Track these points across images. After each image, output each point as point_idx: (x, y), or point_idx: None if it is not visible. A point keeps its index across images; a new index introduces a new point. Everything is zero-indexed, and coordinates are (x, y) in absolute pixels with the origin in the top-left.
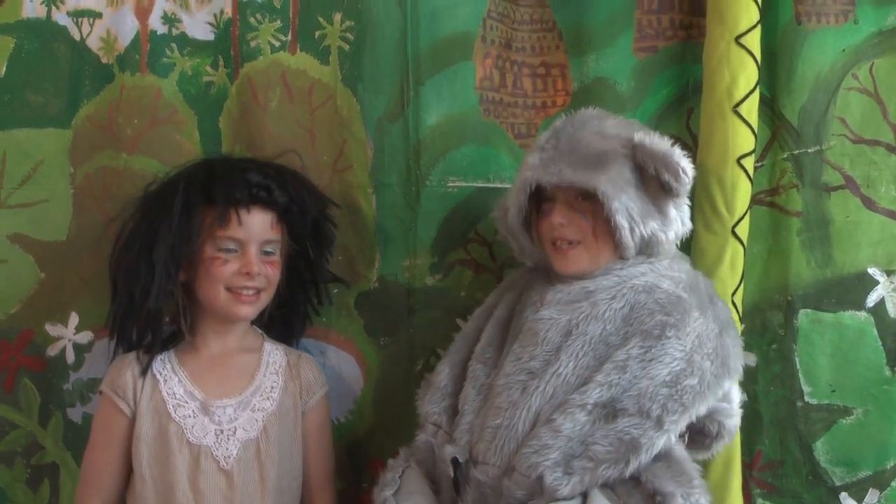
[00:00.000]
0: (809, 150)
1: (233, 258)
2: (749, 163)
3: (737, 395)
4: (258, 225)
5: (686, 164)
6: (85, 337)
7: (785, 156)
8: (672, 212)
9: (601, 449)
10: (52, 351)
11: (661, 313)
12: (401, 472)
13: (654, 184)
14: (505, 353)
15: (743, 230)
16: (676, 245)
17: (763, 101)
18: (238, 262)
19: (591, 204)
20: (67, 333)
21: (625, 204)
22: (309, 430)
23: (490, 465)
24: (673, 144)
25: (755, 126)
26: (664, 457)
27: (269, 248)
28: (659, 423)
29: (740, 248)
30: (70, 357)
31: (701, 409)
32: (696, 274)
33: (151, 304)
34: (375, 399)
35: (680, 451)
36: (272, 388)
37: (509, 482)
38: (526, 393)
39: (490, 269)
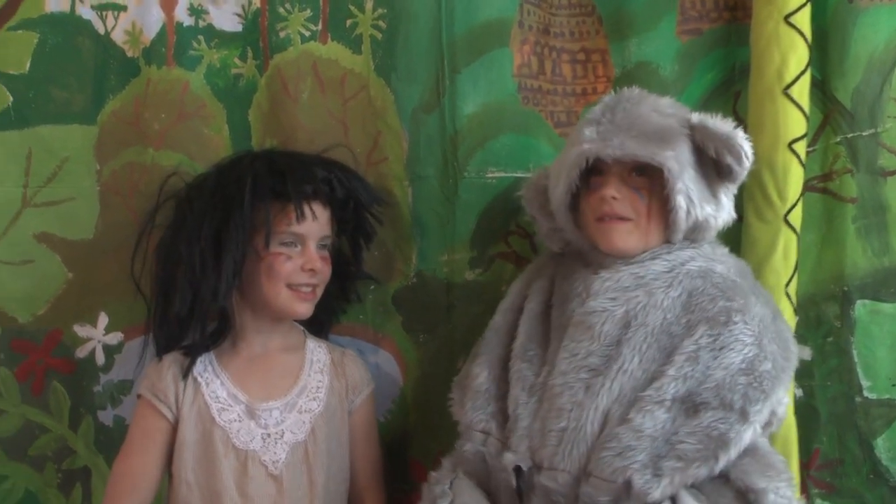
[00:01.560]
0: (864, 134)
1: (294, 254)
2: (801, 147)
3: None
4: (319, 220)
5: (748, 148)
6: (115, 338)
7: (838, 139)
8: (723, 198)
9: (690, 447)
10: (81, 352)
11: (723, 298)
12: (450, 484)
13: (709, 167)
14: (553, 350)
15: (796, 218)
16: None
17: (814, 84)
18: (300, 259)
19: (646, 180)
20: (97, 334)
21: (686, 184)
22: (356, 430)
23: (560, 471)
24: (736, 126)
25: (807, 109)
26: (750, 451)
27: (323, 244)
28: (744, 415)
29: (793, 236)
30: (100, 358)
31: (779, 394)
32: (738, 259)
33: (221, 301)
34: (415, 398)
35: (764, 443)
36: (318, 387)
37: (588, 488)
38: (591, 392)
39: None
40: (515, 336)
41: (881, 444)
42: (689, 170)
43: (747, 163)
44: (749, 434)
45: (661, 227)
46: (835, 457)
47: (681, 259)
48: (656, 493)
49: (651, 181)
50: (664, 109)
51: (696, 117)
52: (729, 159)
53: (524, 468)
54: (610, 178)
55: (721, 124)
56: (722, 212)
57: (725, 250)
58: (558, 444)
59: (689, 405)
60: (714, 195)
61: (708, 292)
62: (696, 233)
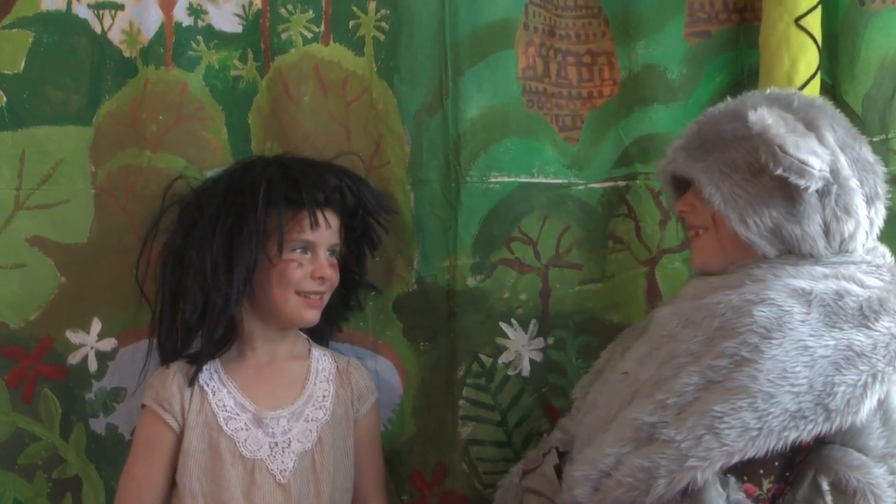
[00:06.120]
0: (874, 139)
1: (305, 261)
2: None
3: (882, 441)
4: (331, 227)
5: (806, 156)
6: (108, 344)
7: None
8: (807, 201)
9: (625, 471)
10: (73, 359)
11: (751, 332)
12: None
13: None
14: None
15: None
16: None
17: (824, 88)
18: (310, 266)
19: None
20: (89, 340)
21: (727, 191)
22: (360, 439)
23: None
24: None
25: None
26: (689, 497)
27: (332, 251)
28: (683, 457)
29: None
30: (92, 365)
31: (751, 451)
32: (871, 288)
33: (232, 308)
34: (416, 407)
35: (711, 496)
36: (324, 396)
37: (565, 485)
38: (614, 394)
39: (535, 269)
40: None
41: None
42: (733, 175)
43: (810, 169)
44: (685, 478)
45: (735, 237)
46: None
47: (751, 276)
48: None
49: None
50: (742, 111)
51: (753, 116)
52: (780, 171)
53: (561, 450)
54: (688, 192)
55: (774, 130)
56: (804, 217)
57: (853, 271)
58: (581, 437)
59: (651, 433)
60: (789, 198)
61: (743, 322)
62: (789, 243)
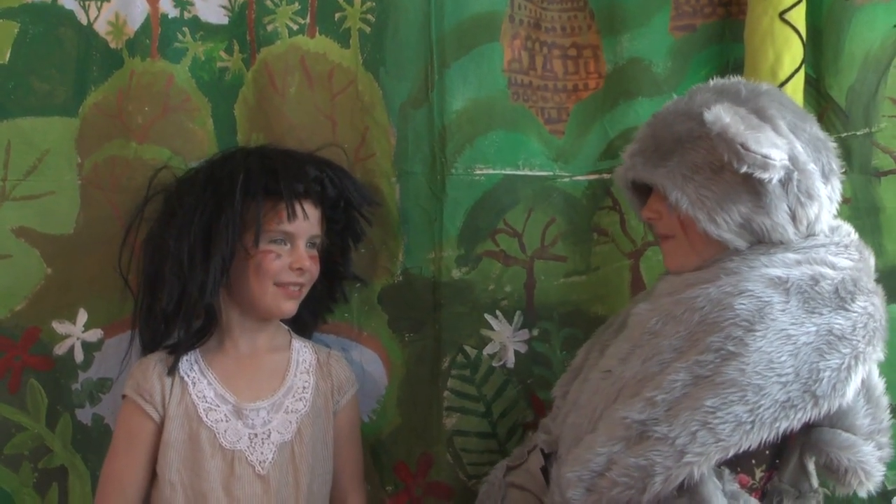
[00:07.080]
0: (858, 133)
1: (284, 253)
2: None
3: (868, 419)
4: (310, 219)
5: (768, 150)
6: (94, 335)
7: (832, 139)
8: (771, 191)
9: (620, 471)
10: (59, 349)
11: (734, 325)
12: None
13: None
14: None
15: None
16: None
17: (808, 82)
18: (289, 257)
19: None
20: (75, 331)
21: (693, 193)
22: (340, 431)
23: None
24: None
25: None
26: (688, 492)
27: (312, 242)
28: (679, 454)
29: None
30: (79, 356)
31: (745, 444)
32: (843, 269)
33: (208, 297)
34: (400, 398)
35: (709, 490)
36: (304, 388)
37: (554, 486)
38: (598, 392)
39: (520, 261)
40: None
41: None
42: (696, 176)
43: (772, 162)
44: (682, 473)
45: (705, 236)
46: None
47: (725, 269)
48: None
49: None
50: (693, 109)
51: (709, 116)
52: (745, 168)
53: (546, 451)
54: (651, 197)
55: (732, 127)
56: (770, 208)
57: (825, 254)
58: (567, 436)
59: (643, 430)
60: (753, 191)
61: (724, 315)
62: (759, 235)
